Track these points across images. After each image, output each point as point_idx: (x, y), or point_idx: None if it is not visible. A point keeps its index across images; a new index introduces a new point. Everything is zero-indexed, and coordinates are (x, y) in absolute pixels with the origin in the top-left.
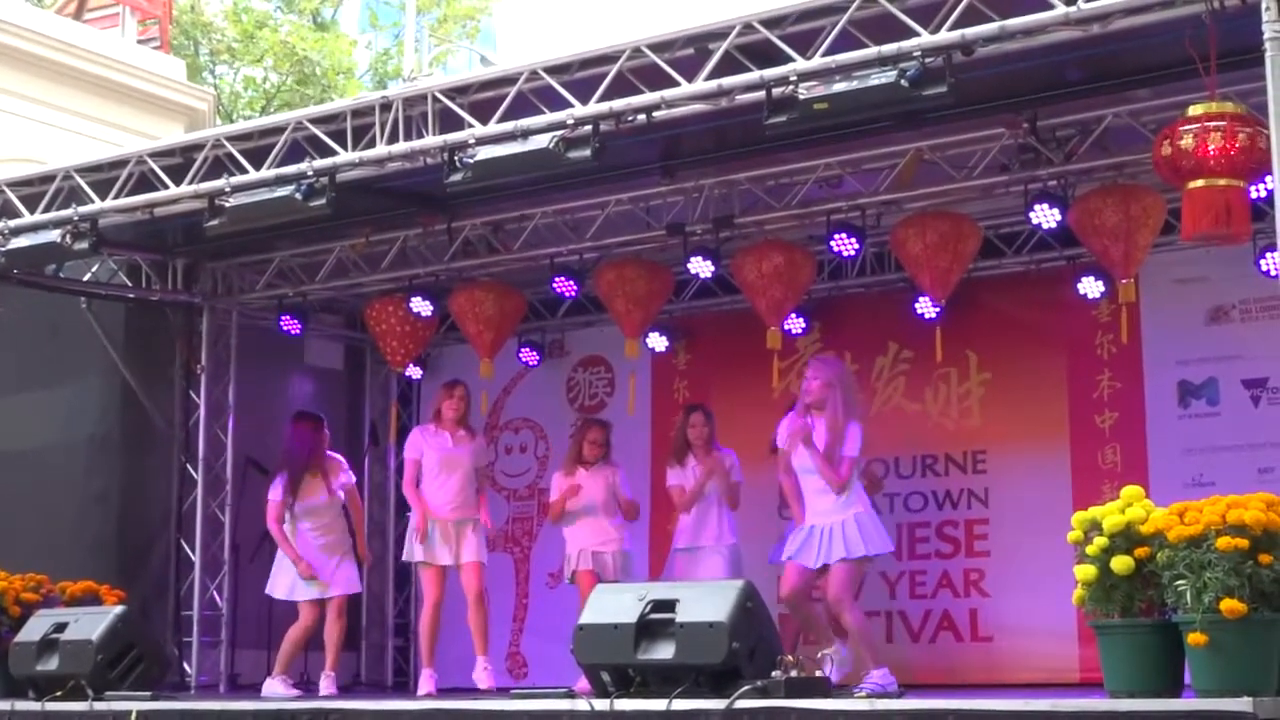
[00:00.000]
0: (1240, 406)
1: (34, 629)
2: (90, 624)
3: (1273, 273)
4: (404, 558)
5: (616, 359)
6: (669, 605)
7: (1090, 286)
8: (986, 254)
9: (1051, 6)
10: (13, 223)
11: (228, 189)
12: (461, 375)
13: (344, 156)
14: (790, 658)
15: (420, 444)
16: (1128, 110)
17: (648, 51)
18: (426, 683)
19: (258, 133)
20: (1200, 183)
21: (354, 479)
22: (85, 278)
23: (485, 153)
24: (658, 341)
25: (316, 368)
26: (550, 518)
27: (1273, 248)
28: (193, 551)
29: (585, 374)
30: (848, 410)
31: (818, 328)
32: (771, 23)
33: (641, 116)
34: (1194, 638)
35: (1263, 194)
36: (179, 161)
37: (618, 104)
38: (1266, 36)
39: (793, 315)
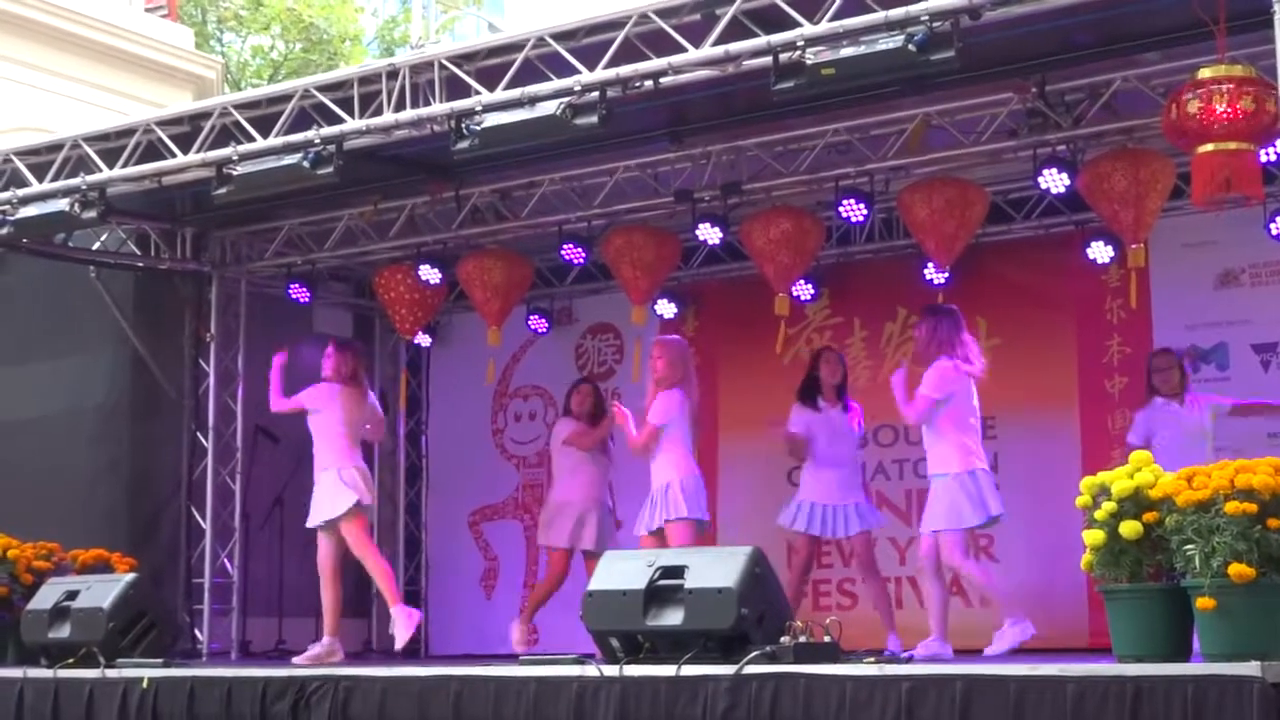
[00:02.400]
0: (1250, 371)
1: (46, 597)
2: (102, 592)
3: None
4: None
5: (625, 326)
6: (678, 571)
7: (1099, 251)
8: (996, 219)
9: None
10: (21, 192)
11: (235, 157)
12: (471, 343)
13: (351, 124)
14: (799, 623)
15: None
16: (1137, 74)
17: (654, 17)
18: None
19: (265, 101)
20: (1209, 146)
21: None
22: (94, 247)
23: (492, 120)
24: (666, 308)
25: (326, 335)
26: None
27: None
28: (203, 519)
29: (594, 341)
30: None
31: (826, 294)
32: None
33: (648, 82)
34: (1202, 602)
35: (1273, 157)
36: (187, 130)
37: (624, 70)
38: None
39: (801, 281)
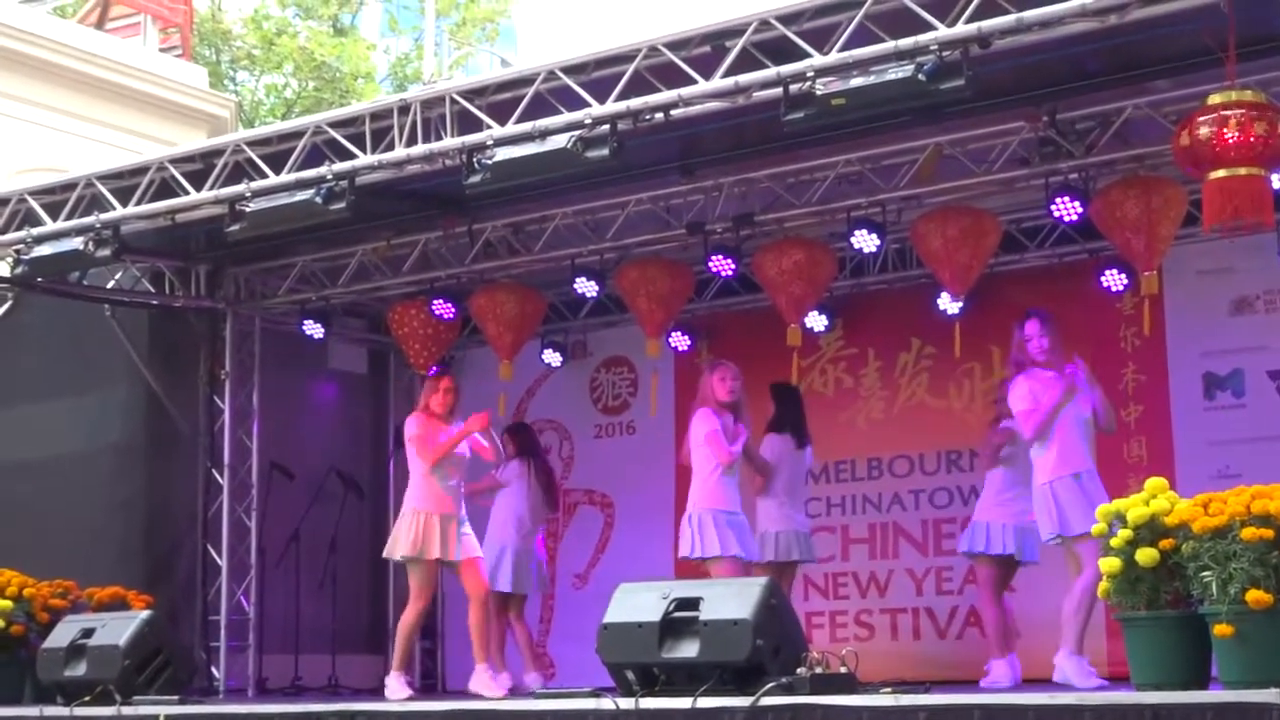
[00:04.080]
0: (1266, 398)
1: (62, 635)
2: (117, 629)
3: None
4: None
5: (639, 359)
6: (693, 603)
7: (1113, 279)
8: (1008, 248)
9: None
10: (35, 231)
11: (248, 194)
12: (485, 377)
13: (363, 160)
14: (815, 654)
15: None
16: (1147, 101)
17: (664, 50)
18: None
19: (277, 137)
20: (1220, 173)
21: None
22: (109, 285)
23: (504, 154)
24: (680, 341)
25: (340, 371)
26: None
27: None
28: (219, 556)
29: (608, 374)
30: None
31: (840, 325)
32: (788, 19)
33: (659, 115)
34: (1220, 629)
35: None
36: (199, 167)
37: (635, 103)
38: None
39: (815, 312)
